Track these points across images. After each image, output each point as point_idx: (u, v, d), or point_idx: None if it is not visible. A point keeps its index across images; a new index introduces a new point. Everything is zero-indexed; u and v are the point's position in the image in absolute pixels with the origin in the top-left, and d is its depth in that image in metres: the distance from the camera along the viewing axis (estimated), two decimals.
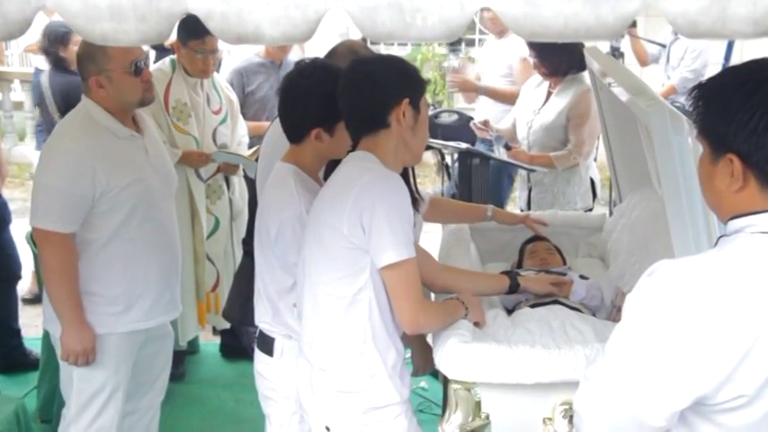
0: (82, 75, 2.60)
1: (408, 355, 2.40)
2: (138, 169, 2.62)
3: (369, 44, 3.57)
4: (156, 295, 2.71)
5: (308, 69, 2.35)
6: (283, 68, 4.25)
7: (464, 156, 3.86)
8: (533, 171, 3.94)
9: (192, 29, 3.35)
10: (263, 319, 2.42)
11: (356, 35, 5.21)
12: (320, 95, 2.26)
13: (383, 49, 8.22)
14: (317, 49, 3.67)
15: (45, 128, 4.83)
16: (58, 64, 4.55)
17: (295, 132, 2.35)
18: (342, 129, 2.29)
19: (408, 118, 2.07)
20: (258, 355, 2.47)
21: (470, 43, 8.95)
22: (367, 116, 2.09)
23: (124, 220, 2.58)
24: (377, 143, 2.08)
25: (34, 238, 2.61)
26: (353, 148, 2.15)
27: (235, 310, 2.90)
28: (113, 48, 2.40)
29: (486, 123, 4.20)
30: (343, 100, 2.12)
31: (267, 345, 2.41)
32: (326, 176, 2.39)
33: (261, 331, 2.45)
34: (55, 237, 2.51)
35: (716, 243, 1.40)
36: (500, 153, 4.06)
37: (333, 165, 2.35)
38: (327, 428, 2.13)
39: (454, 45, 4.57)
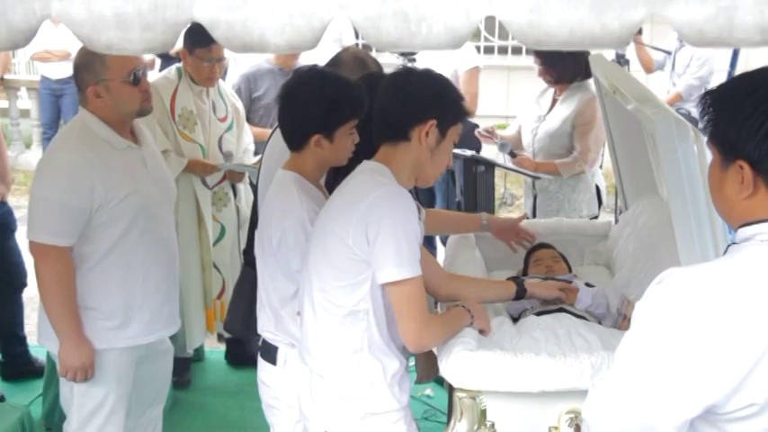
0: (79, 85, 2.54)
1: (412, 362, 2.39)
2: (137, 181, 2.57)
3: (374, 52, 3.55)
4: (155, 309, 2.66)
5: (306, 76, 2.35)
6: None
7: (469, 163, 3.85)
8: (538, 178, 3.94)
9: (199, 37, 3.35)
10: (267, 328, 2.42)
11: (349, 41, 5.18)
12: (319, 102, 2.26)
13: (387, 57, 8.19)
14: (312, 55, 3.64)
15: None
16: None
17: (295, 139, 2.35)
18: (341, 135, 2.29)
19: (431, 139, 2.06)
20: (261, 363, 2.46)
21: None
22: (392, 123, 2.08)
23: (122, 233, 2.53)
24: (394, 155, 2.08)
25: (30, 252, 2.53)
26: (371, 155, 2.13)
27: (236, 323, 2.86)
28: (111, 57, 2.36)
29: (490, 131, 4.19)
30: (377, 101, 2.12)
31: (270, 353, 2.41)
32: (328, 184, 2.39)
33: (264, 340, 2.44)
34: (51, 250, 2.46)
35: (725, 251, 1.40)
36: (505, 160, 4.06)
37: (335, 172, 2.35)
38: None
39: (408, 55, 4.46)
